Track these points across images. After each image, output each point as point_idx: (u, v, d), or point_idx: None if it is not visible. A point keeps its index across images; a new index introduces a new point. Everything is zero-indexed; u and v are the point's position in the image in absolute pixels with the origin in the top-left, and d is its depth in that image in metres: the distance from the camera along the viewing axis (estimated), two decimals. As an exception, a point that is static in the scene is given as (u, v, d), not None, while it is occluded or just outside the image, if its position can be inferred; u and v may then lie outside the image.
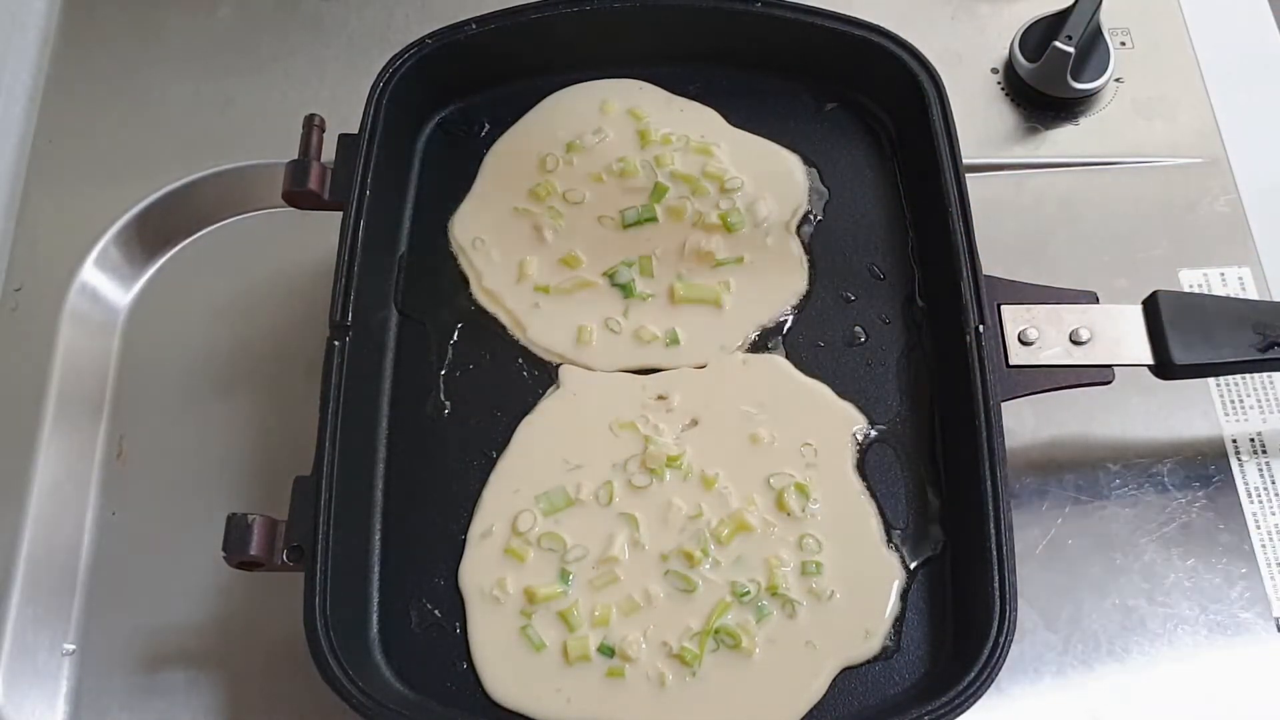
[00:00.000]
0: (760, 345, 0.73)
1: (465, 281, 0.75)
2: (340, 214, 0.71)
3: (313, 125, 0.74)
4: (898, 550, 0.67)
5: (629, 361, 0.73)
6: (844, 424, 0.70)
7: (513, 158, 0.79)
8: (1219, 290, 0.81)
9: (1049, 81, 0.85)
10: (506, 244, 0.76)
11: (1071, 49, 0.82)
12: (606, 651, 0.64)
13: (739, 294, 0.74)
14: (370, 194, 0.71)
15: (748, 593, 0.65)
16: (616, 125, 0.79)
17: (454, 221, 0.77)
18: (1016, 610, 0.62)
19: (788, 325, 0.74)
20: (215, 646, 0.72)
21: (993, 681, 0.60)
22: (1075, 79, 0.85)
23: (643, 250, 0.75)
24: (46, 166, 0.87)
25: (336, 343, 0.68)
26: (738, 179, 0.77)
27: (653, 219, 0.76)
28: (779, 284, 0.74)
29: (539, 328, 0.73)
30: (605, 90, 0.80)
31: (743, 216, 0.76)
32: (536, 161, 0.78)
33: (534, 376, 0.73)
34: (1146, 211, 0.85)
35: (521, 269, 0.75)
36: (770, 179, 0.78)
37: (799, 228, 0.76)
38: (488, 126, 0.80)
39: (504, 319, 0.74)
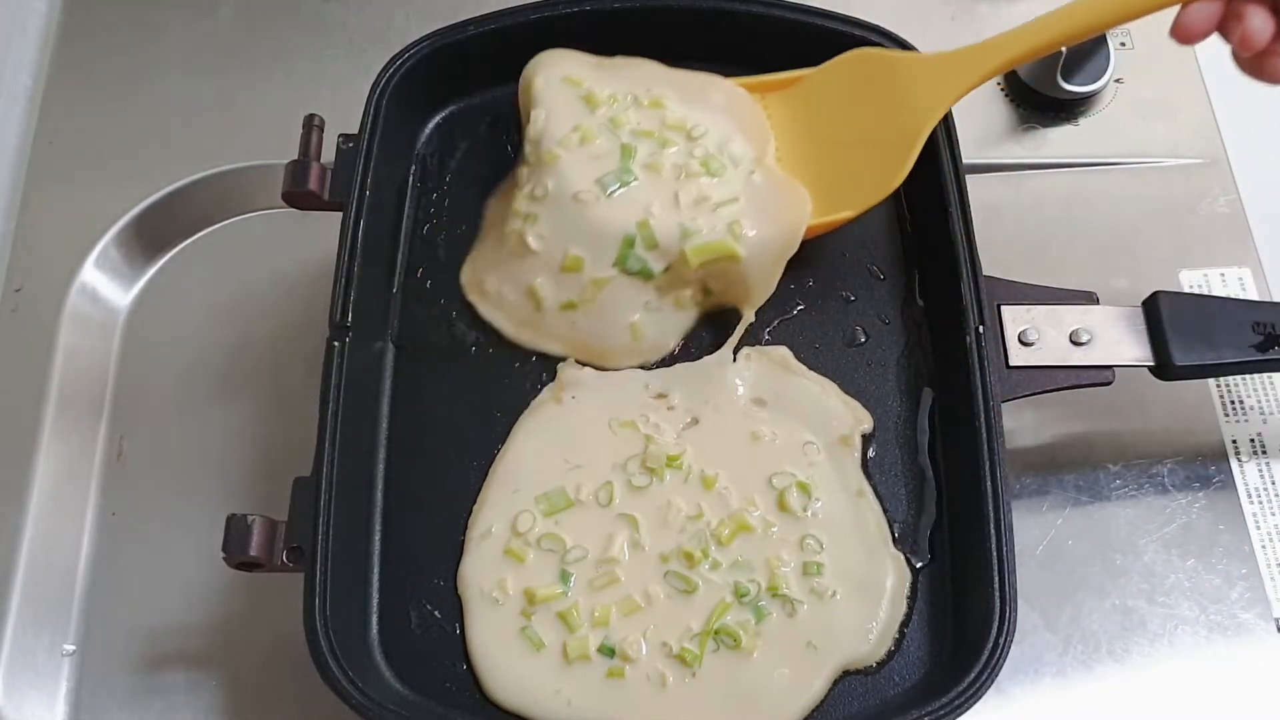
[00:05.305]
0: (764, 337, 0.73)
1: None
2: (340, 214, 0.71)
3: (313, 125, 0.74)
4: (899, 550, 0.67)
5: (682, 330, 0.73)
6: (848, 422, 0.70)
7: (499, 195, 0.77)
8: (1219, 290, 0.81)
9: (1041, 79, 0.85)
10: (507, 274, 0.73)
11: (1063, 47, 0.82)
12: (607, 652, 0.64)
13: (750, 236, 0.70)
14: (370, 194, 0.72)
15: (748, 593, 0.65)
16: (558, 96, 0.74)
17: (462, 277, 0.75)
18: (1016, 611, 0.62)
19: (788, 325, 0.74)
20: (215, 646, 0.72)
21: (993, 682, 0.60)
22: (1069, 80, 0.85)
23: (637, 216, 0.70)
24: (46, 167, 0.87)
25: (336, 343, 0.68)
26: (701, 125, 0.73)
27: (633, 179, 0.71)
28: (787, 210, 0.72)
29: (590, 346, 0.72)
30: (531, 70, 0.76)
31: (721, 160, 0.72)
32: (513, 184, 0.75)
33: (534, 376, 0.73)
34: (1146, 212, 0.85)
35: (533, 296, 0.72)
36: (731, 116, 0.74)
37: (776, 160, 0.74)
38: (488, 127, 0.80)
39: (557, 351, 0.73)
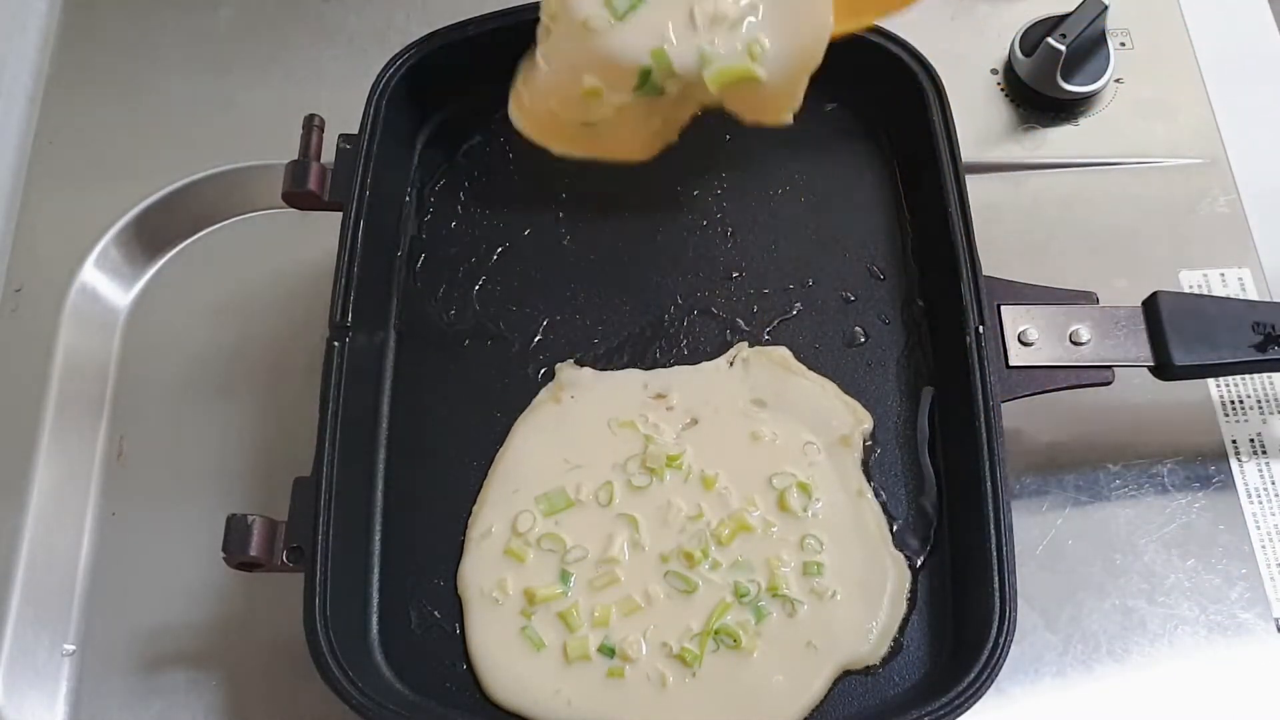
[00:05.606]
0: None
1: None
2: (340, 214, 0.71)
3: (313, 125, 0.74)
4: (899, 550, 0.67)
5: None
6: (848, 422, 0.70)
7: None
8: (1219, 291, 0.81)
9: (1041, 79, 0.85)
10: (532, 85, 0.71)
11: (1063, 47, 0.82)
12: (607, 652, 0.64)
13: (770, 53, 0.67)
14: (370, 194, 0.72)
15: (748, 593, 0.65)
16: None
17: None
18: (1016, 611, 0.62)
19: (788, 325, 0.74)
20: (215, 646, 0.72)
21: (993, 682, 0.60)
22: (1069, 81, 0.85)
23: (652, 44, 0.67)
24: (46, 166, 0.87)
25: (336, 343, 0.68)
26: None
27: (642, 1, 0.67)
28: (807, 20, 0.68)
29: (616, 150, 0.72)
30: None
31: None
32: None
33: (534, 376, 0.73)
34: (1146, 212, 0.85)
35: (553, 114, 0.71)
36: None
37: None
38: (487, 126, 0.80)
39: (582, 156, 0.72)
